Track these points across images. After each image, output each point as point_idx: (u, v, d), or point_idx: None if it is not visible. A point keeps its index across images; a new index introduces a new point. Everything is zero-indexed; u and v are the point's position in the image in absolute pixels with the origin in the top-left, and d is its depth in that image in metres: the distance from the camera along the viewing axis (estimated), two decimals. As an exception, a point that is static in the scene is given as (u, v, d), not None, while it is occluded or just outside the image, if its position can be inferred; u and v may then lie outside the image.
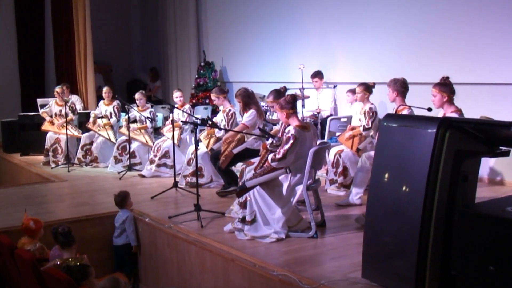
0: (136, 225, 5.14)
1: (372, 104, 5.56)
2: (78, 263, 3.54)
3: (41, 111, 8.45)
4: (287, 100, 4.45)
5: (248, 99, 5.73)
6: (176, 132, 6.65)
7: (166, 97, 10.88)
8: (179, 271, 4.64)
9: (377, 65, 7.02)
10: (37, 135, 8.68)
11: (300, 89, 7.18)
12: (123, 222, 5.06)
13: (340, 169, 5.59)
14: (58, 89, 8.22)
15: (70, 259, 3.64)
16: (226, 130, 5.86)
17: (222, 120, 6.15)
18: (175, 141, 6.54)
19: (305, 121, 6.21)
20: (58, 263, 3.62)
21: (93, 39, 10.15)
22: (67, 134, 7.76)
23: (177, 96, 7.14)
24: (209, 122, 5.68)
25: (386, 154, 3.26)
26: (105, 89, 8.05)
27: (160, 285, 4.91)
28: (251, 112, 5.67)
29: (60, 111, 8.12)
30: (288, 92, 5.98)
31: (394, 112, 5.07)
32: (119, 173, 7.16)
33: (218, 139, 6.04)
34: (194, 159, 5.66)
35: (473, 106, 5.26)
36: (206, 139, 6.20)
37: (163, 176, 6.86)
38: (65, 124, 7.80)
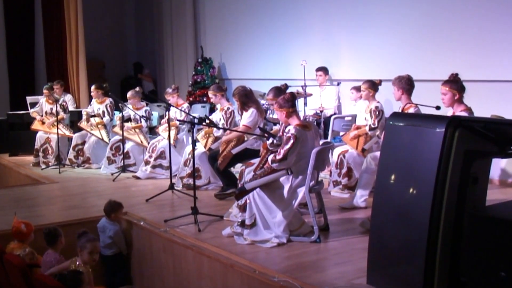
0: (127, 232, 4.98)
1: (378, 102, 5.47)
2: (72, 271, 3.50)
3: (31, 111, 8.30)
4: (286, 99, 4.35)
5: (246, 98, 5.62)
6: (172, 132, 6.55)
7: (161, 94, 10.75)
8: (176, 277, 4.56)
9: (383, 61, 6.92)
10: (26, 135, 8.51)
11: (302, 86, 7.08)
12: (111, 237, 4.84)
13: (344, 170, 5.48)
14: (47, 89, 7.97)
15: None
16: (225, 130, 5.74)
17: (220, 119, 6.04)
18: (171, 141, 6.44)
19: (307, 120, 6.12)
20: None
21: (85, 34, 10.03)
22: (58, 133, 7.61)
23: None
24: (207, 121, 5.55)
25: (393, 155, 3.21)
26: (92, 87, 7.87)
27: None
28: (251, 111, 5.56)
29: (51, 109, 7.96)
30: (290, 90, 5.86)
31: (400, 110, 4.99)
32: (112, 174, 7.02)
33: (216, 139, 5.95)
34: (191, 160, 5.54)
35: (483, 104, 5.16)
36: (203, 138, 6.10)
37: (159, 178, 6.74)
38: (56, 123, 7.64)
